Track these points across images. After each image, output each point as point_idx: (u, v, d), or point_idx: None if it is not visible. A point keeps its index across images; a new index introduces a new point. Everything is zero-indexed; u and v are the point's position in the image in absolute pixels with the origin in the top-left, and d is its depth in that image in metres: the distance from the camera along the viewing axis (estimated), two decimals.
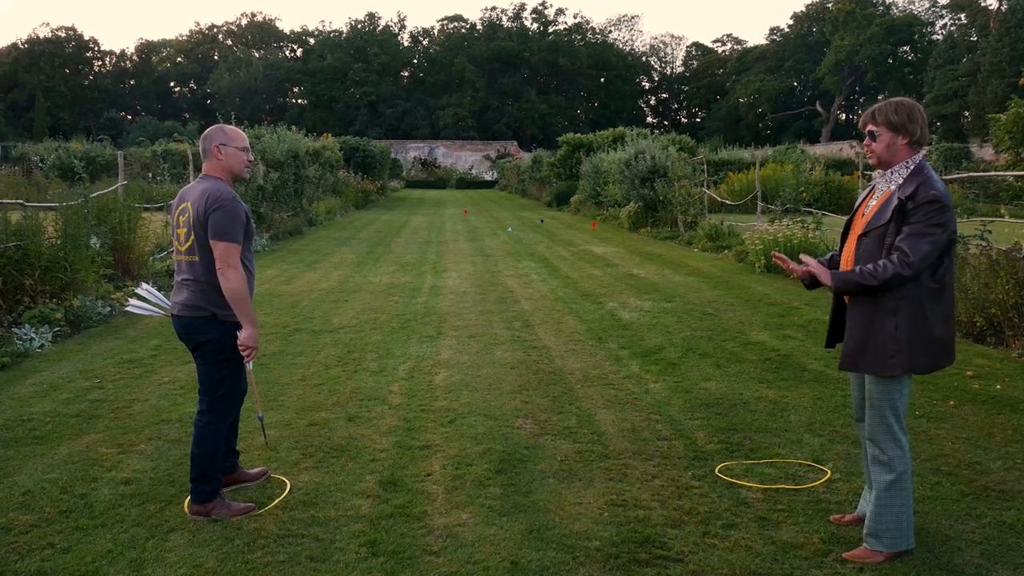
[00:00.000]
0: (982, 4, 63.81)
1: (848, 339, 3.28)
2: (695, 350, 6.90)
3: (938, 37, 69.99)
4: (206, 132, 3.81)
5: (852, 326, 3.27)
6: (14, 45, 73.45)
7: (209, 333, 3.65)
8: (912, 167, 3.20)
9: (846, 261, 3.38)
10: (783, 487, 3.98)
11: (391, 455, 4.43)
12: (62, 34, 75.36)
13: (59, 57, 73.85)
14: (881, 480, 3.27)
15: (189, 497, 3.72)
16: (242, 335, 3.63)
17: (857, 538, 3.43)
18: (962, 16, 67.27)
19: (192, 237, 3.63)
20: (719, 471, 4.17)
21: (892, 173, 3.24)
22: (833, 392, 5.58)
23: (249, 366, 3.85)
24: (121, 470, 4.22)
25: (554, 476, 4.13)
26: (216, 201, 3.57)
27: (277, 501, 3.83)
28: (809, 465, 4.27)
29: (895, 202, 3.14)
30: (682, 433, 4.79)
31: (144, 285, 4.42)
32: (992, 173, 17.46)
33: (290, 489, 3.97)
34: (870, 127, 3.26)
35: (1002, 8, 54.88)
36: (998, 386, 5.67)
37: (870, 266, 3.12)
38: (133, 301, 4.18)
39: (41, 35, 74.42)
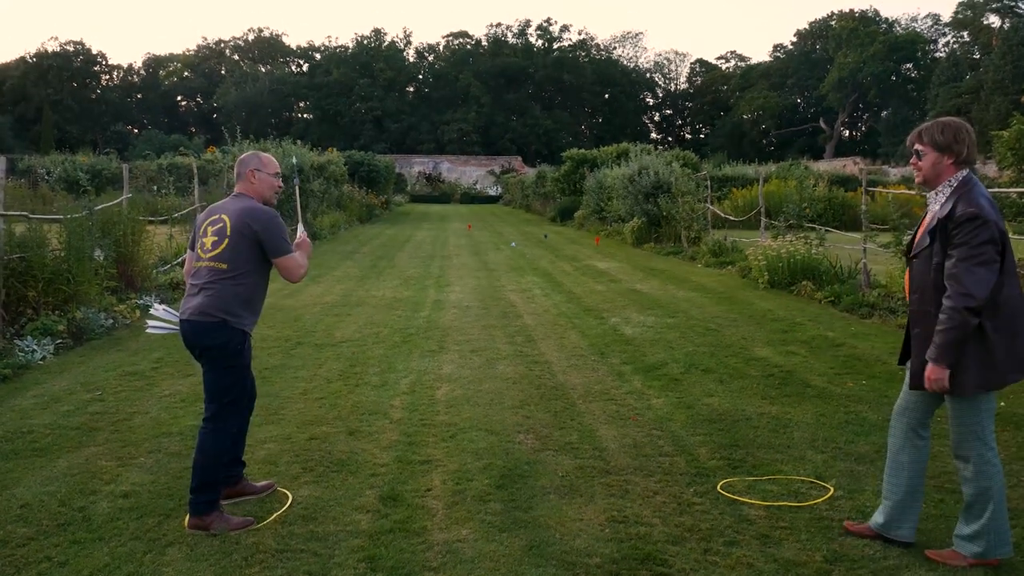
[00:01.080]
0: (985, 22, 64.07)
1: (914, 359, 3.36)
2: (698, 366, 6.87)
3: (941, 55, 70.24)
4: (243, 156, 3.98)
5: (916, 347, 3.34)
6: (23, 59, 74.04)
7: (218, 338, 3.70)
8: (955, 184, 3.25)
9: (907, 283, 3.46)
10: (785, 504, 3.95)
11: (391, 470, 4.41)
12: (70, 48, 75.95)
13: (67, 71, 74.41)
14: (969, 495, 3.33)
15: (188, 510, 3.71)
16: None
17: (860, 555, 3.41)
18: (965, 34, 67.55)
19: (224, 244, 3.74)
20: (721, 488, 4.15)
21: (937, 193, 3.31)
22: (836, 409, 5.55)
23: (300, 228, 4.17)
24: (120, 483, 4.20)
25: (555, 492, 4.11)
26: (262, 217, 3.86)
27: (276, 515, 3.81)
28: (812, 482, 4.24)
29: (935, 222, 3.21)
30: (684, 449, 4.76)
31: (156, 306, 4.38)
32: (995, 190, 17.45)
33: (290, 503, 3.95)
34: (916, 146, 3.33)
35: (1004, 26, 55.08)
36: (1002, 403, 5.64)
37: (943, 316, 3.14)
38: (151, 323, 4.18)
39: (49, 49, 75.04)
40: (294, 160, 4.87)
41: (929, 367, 3.20)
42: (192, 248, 3.94)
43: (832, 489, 4.13)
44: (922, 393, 3.41)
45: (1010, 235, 9.77)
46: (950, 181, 3.25)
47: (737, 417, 5.38)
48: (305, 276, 3.99)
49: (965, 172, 3.26)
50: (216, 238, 3.77)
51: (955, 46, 68.59)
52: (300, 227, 4.35)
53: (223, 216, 3.81)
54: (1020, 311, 3.24)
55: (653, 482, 4.24)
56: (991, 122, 45.95)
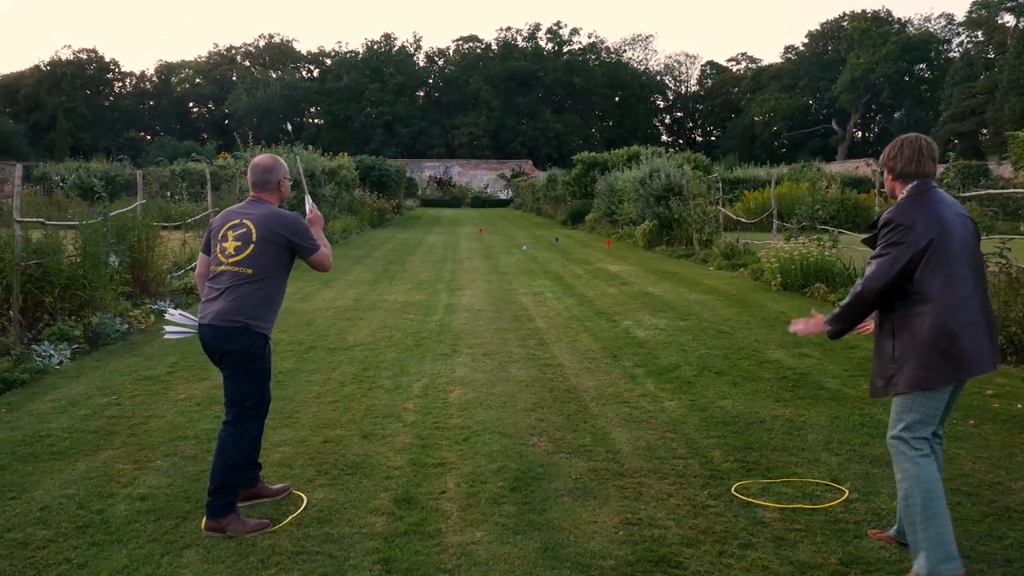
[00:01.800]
0: (999, 22, 63.60)
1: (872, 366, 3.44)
2: (711, 368, 6.86)
3: (955, 55, 69.76)
4: (269, 165, 3.96)
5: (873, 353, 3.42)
6: (36, 67, 74.74)
7: (240, 343, 3.72)
8: (905, 195, 3.32)
9: None
10: (800, 506, 3.94)
11: (405, 472, 4.43)
12: (83, 56, 76.61)
13: (80, 78, 75.04)
14: (899, 498, 3.28)
15: (205, 513, 3.73)
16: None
17: (875, 558, 3.39)
18: (979, 33, 67.05)
19: (249, 250, 3.76)
20: (735, 490, 4.14)
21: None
22: (850, 411, 5.53)
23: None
24: (137, 486, 4.24)
25: (569, 494, 4.11)
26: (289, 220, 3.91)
27: (291, 518, 3.83)
28: (827, 484, 4.22)
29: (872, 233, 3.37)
30: (698, 451, 4.75)
31: (171, 311, 4.40)
32: (1011, 191, 17.35)
33: (305, 505, 3.97)
34: None
35: (1019, 25, 54.68)
36: (1019, 405, 5.60)
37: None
38: (168, 329, 4.20)
39: (63, 57, 75.70)
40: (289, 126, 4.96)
41: (815, 323, 3.52)
42: (207, 252, 3.96)
43: (847, 491, 4.11)
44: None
45: None
46: (903, 193, 3.32)
47: (751, 419, 5.37)
48: (329, 255, 3.98)
49: (914, 184, 3.29)
50: (240, 243, 3.78)
51: (969, 46, 68.04)
52: (307, 199, 4.28)
53: (246, 222, 3.82)
54: (961, 309, 3.15)
55: (667, 484, 4.24)
56: (1006, 122, 45.66)
